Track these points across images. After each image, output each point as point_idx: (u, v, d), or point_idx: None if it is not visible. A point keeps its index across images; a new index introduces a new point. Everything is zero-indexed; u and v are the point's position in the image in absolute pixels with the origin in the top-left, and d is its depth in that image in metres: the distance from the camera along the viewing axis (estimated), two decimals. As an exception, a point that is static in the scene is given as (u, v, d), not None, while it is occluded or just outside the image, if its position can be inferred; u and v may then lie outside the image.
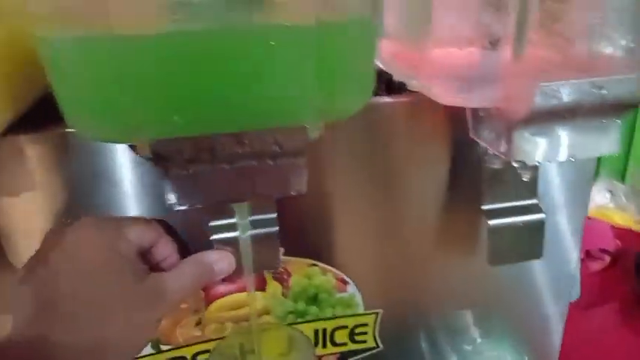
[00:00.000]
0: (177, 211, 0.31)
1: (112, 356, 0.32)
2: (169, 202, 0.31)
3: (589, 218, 0.74)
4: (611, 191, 1.02)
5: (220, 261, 0.40)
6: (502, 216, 0.44)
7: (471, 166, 0.45)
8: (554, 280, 0.57)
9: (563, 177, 0.50)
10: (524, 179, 0.41)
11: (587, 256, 0.73)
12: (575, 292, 0.66)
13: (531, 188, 0.45)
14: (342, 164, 0.46)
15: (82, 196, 0.42)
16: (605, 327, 0.73)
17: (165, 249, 0.38)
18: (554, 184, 0.51)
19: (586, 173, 0.52)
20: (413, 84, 0.41)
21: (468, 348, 0.57)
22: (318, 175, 0.46)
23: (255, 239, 0.40)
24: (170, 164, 0.30)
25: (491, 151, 0.39)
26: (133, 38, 0.25)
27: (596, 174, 0.95)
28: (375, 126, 0.45)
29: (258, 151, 0.31)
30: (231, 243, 0.40)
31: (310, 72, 0.28)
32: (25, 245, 0.41)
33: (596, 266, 0.84)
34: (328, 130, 0.32)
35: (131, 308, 0.33)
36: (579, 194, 0.53)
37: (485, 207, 0.44)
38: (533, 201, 0.45)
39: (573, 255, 0.56)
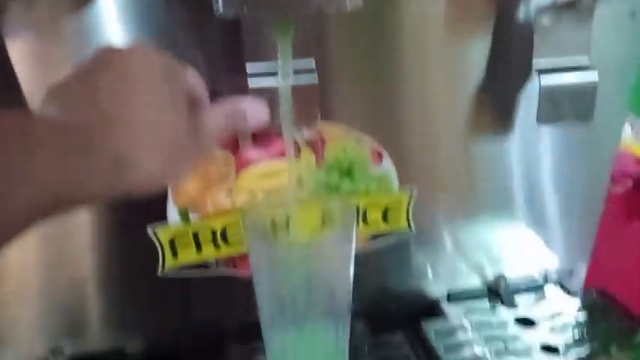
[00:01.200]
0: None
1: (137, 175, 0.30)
2: (215, 7, 0.28)
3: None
4: (631, 125, 1.02)
5: (254, 109, 0.37)
6: (554, 73, 0.42)
7: (520, 25, 0.42)
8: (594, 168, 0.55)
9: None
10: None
11: (611, 180, 0.72)
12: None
13: (583, 47, 0.42)
14: (387, 26, 0.43)
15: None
16: (628, 241, 0.72)
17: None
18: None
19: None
20: None
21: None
22: (359, 40, 0.43)
23: (295, 89, 0.37)
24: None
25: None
26: None
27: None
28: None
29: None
30: (269, 92, 0.38)
31: None
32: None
33: (619, 190, 0.85)
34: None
35: (171, 136, 0.30)
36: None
37: (536, 62, 0.42)
38: (584, 58, 0.42)
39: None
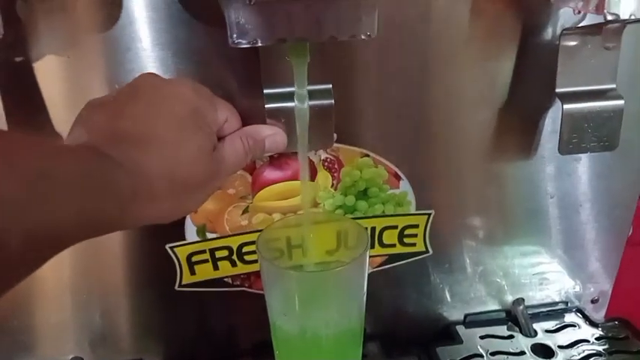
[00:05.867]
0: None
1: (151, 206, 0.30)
2: (230, 38, 0.29)
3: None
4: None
5: (272, 136, 0.38)
6: (578, 100, 0.41)
7: (546, 48, 0.42)
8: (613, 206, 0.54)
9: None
10: (608, 47, 0.37)
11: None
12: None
13: (610, 72, 0.41)
14: (400, 50, 0.43)
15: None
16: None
17: (231, 127, 0.37)
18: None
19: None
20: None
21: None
22: (378, 60, 0.43)
23: (310, 111, 0.37)
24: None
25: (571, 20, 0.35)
26: None
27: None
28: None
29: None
30: (285, 113, 0.38)
31: None
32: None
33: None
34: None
35: (189, 176, 0.31)
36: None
37: (559, 90, 0.41)
38: (611, 86, 0.41)
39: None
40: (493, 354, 0.51)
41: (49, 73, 0.38)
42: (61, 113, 0.39)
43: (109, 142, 0.29)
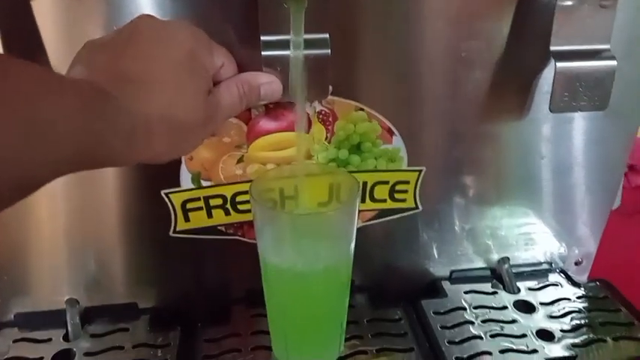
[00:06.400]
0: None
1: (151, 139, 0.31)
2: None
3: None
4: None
5: (268, 84, 0.39)
6: (571, 59, 0.41)
7: (544, 7, 0.42)
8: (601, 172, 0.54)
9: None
10: (604, 5, 0.37)
11: (631, 169, 0.70)
12: (616, 201, 0.63)
13: (605, 33, 0.41)
14: (399, 6, 0.43)
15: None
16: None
17: (227, 73, 0.38)
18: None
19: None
20: None
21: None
22: (377, 15, 0.43)
23: (307, 60, 0.38)
24: None
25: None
26: None
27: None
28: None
29: None
30: (282, 62, 0.38)
31: None
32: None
33: (638, 180, 0.83)
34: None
35: (185, 118, 0.32)
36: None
37: (554, 48, 0.41)
38: (605, 46, 0.42)
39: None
40: (476, 307, 0.53)
41: (47, 14, 0.38)
42: (58, 54, 0.39)
43: (108, 81, 0.29)
